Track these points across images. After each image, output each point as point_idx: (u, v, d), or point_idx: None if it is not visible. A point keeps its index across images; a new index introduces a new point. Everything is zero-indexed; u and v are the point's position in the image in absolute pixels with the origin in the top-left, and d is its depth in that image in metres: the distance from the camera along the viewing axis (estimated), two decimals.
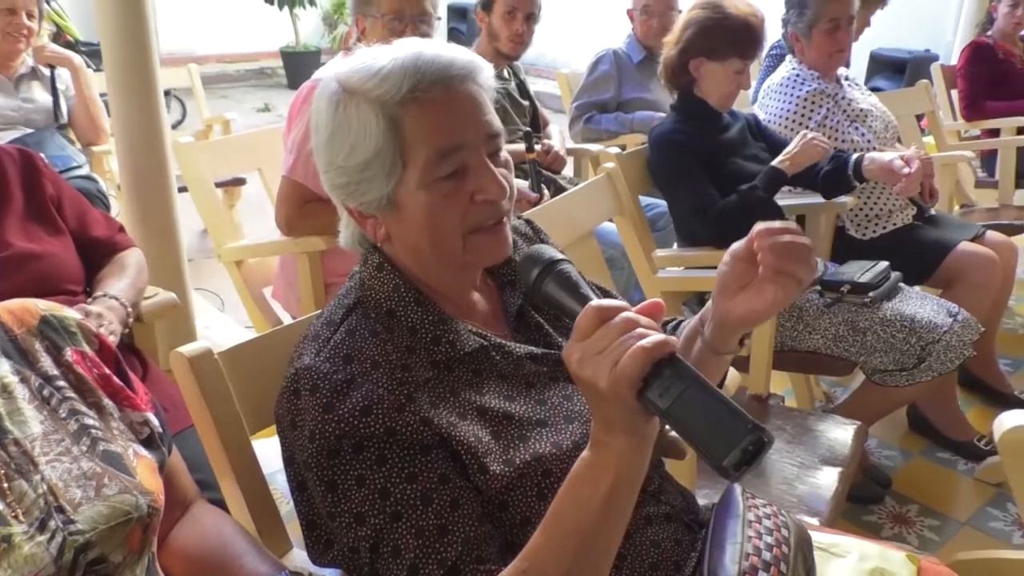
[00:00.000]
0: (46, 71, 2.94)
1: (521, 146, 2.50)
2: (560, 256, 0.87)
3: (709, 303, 1.00)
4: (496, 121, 0.94)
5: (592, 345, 0.73)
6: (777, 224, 0.90)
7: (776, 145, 2.27)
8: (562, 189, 2.55)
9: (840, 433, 1.72)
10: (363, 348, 0.90)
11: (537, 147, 2.58)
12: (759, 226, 0.90)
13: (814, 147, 2.10)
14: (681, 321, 1.17)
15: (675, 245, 2.31)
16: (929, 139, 3.57)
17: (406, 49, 0.91)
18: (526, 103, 2.91)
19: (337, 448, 0.84)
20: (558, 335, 1.06)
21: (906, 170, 2.13)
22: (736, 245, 0.94)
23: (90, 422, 0.86)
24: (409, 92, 0.88)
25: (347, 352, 0.90)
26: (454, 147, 0.90)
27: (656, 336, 0.72)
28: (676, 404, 0.71)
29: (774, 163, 2.10)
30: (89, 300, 1.55)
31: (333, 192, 0.97)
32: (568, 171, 3.04)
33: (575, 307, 0.81)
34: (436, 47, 0.92)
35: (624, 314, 0.74)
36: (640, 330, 0.73)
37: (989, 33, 3.80)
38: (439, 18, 2.14)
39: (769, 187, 2.07)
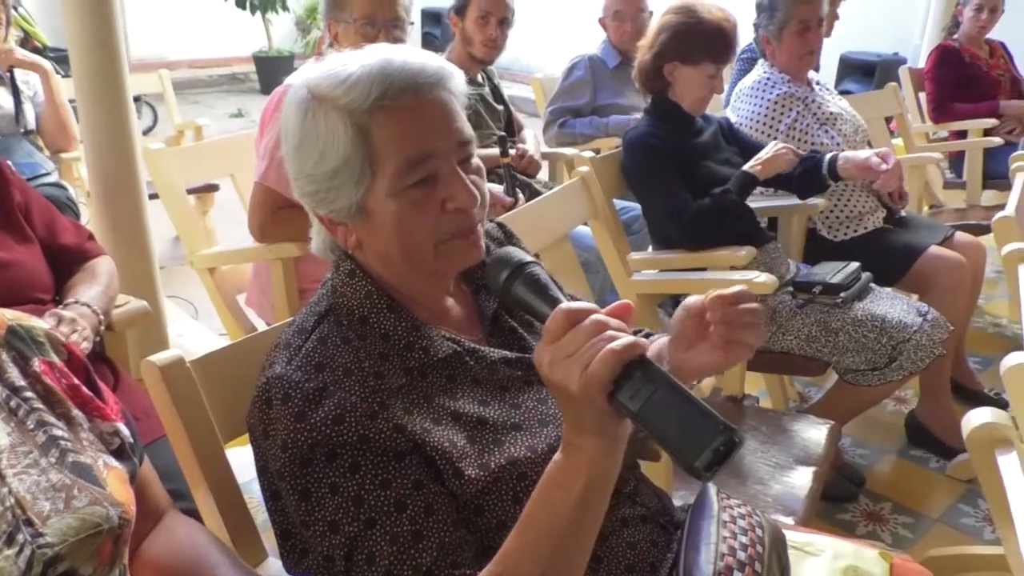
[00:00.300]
0: (6, 75, 2.90)
1: (495, 150, 2.50)
2: (529, 258, 0.87)
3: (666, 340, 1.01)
4: (467, 128, 0.94)
5: (562, 348, 0.73)
6: (729, 292, 0.91)
7: (748, 148, 2.29)
8: (537, 193, 2.56)
9: (814, 433, 1.74)
10: (335, 356, 0.90)
11: (512, 151, 2.59)
12: (712, 294, 0.91)
13: (783, 155, 2.13)
14: (650, 333, 1.17)
15: (650, 248, 2.32)
16: (898, 141, 3.62)
17: (375, 56, 0.91)
18: (500, 107, 2.91)
19: (310, 457, 0.84)
20: (532, 339, 1.06)
21: (884, 166, 2.17)
22: (691, 300, 0.95)
23: (59, 433, 0.85)
24: (377, 100, 0.88)
25: (319, 360, 0.89)
26: (423, 155, 0.90)
27: (626, 338, 0.72)
28: (647, 406, 0.71)
29: (746, 168, 2.12)
30: (61, 307, 1.53)
31: (303, 199, 0.96)
32: (543, 175, 3.04)
33: (545, 309, 0.81)
34: (405, 53, 0.92)
35: (594, 316, 0.74)
36: (610, 332, 0.73)
37: (955, 36, 3.86)
38: (412, 23, 2.13)
39: (741, 191, 2.09)
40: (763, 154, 2.14)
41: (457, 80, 0.94)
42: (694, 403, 0.71)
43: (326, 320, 0.94)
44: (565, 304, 0.76)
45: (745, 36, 3.21)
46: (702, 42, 2.08)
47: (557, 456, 0.78)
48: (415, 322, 0.95)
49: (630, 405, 0.71)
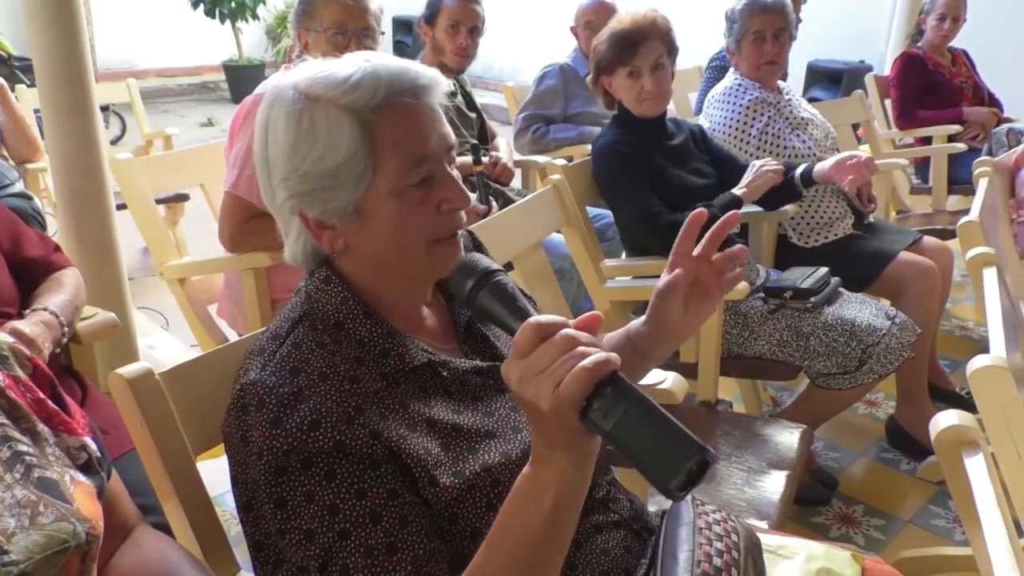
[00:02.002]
0: None
1: (468, 159, 2.50)
2: (495, 266, 0.87)
3: (633, 328, 1.13)
4: (452, 133, 0.96)
5: (532, 364, 0.72)
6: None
7: (719, 159, 2.33)
8: (510, 201, 2.56)
9: (787, 437, 1.75)
10: (310, 360, 0.90)
11: (485, 159, 2.59)
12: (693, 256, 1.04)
13: (765, 174, 2.18)
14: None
15: (623, 255, 2.33)
16: (865, 147, 3.68)
17: (372, 60, 0.92)
18: (473, 115, 2.92)
19: (285, 465, 0.83)
20: (502, 346, 1.06)
21: (852, 160, 2.20)
22: (671, 282, 1.06)
23: (24, 448, 0.83)
24: (384, 99, 0.89)
25: (294, 365, 0.89)
26: (424, 156, 0.91)
27: (598, 355, 0.71)
28: (619, 425, 0.70)
29: (734, 191, 2.17)
30: (27, 312, 1.50)
31: (289, 201, 0.94)
32: (516, 183, 3.05)
33: (511, 321, 0.81)
34: (398, 61, 0.94)
35: (564, 331, 0.73)
36: (581, 348, 0.72)
37: (919, 45, 3.92)
38: (383, 32, 2.13)
39: (724, 210, 2.12)
40: (747, 178, 2.19)
41: (444, 89, 0.97)
42: (667, 422, 0.70)
43: (300, 325, 0.94)
44: (534, 318, 0.75)
45: (708, 42, 3.26)
46: (608, 52, 2.15)
47: (527, 469, 0.78)
48: (390, 329, 0.95)
49: (602, 424, 0.70)
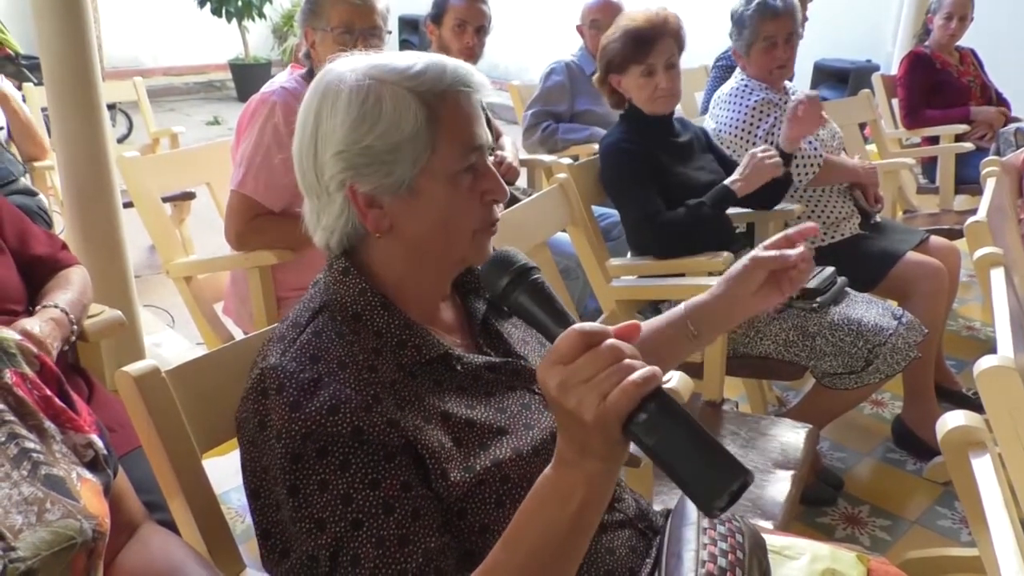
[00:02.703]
0: None
1: None
2: (531, 263, 0.87)
3: (691, 302, 1.21)
4: (488, 132, 0.99)
5: (576, 372, 0.70)
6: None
7: (724, 159, 2.31)
8: (515, 200, 2.56)
9: (792, 436, 1.75)
10: (330, 348, 0.91)
11: (490, 158, 2.59)
12: (795, 253, 1.09)
13: (764, 164, 2.14)
14: None
15: (628, 254, 2.33)
16: (872, 147, 3.66)
17: (426, 54, 0.97)
18: None
19: (301, 452, 0.84)
20: (516, 345, 1.07)
21: (800, 108, 2.19)
22: (766, 257, 1.10)
23: (31, 446, 0.83)
24: (450, 86, 0.94)
25: (313, 352, 0.90)
26: (476, 144, 0.95)
27: (645, 370, 0.70)
28: (662, 442, 0.69)
29: (726, 182, 2.14)
30: (37, 309, 1.50)
31: (341, 175, 0.93)
32: (522, 182, 3.05)
33: (550, 324, 0.81)
34: (450, 58, 0.98)
35: (610, 341, 0.71)
36: (628, 361, 0.70)
37: (926, 44, 3.91)
38: (389, 32, 2.13)
39: (717, 204, 2.11)
40: (741, 169, 2.15)
41: (490, 90, 1.00)
42: (709, 441, 0.69)
43: (320, 315, 0.95)
44: (579, 325, 0.73)
45: (714, 41, 3.25)
46: (621, 51, 2.16)
47: (549, 472, 0.77)
48: (407, 321, 0.96)
49: (645, 439, 0.69)
